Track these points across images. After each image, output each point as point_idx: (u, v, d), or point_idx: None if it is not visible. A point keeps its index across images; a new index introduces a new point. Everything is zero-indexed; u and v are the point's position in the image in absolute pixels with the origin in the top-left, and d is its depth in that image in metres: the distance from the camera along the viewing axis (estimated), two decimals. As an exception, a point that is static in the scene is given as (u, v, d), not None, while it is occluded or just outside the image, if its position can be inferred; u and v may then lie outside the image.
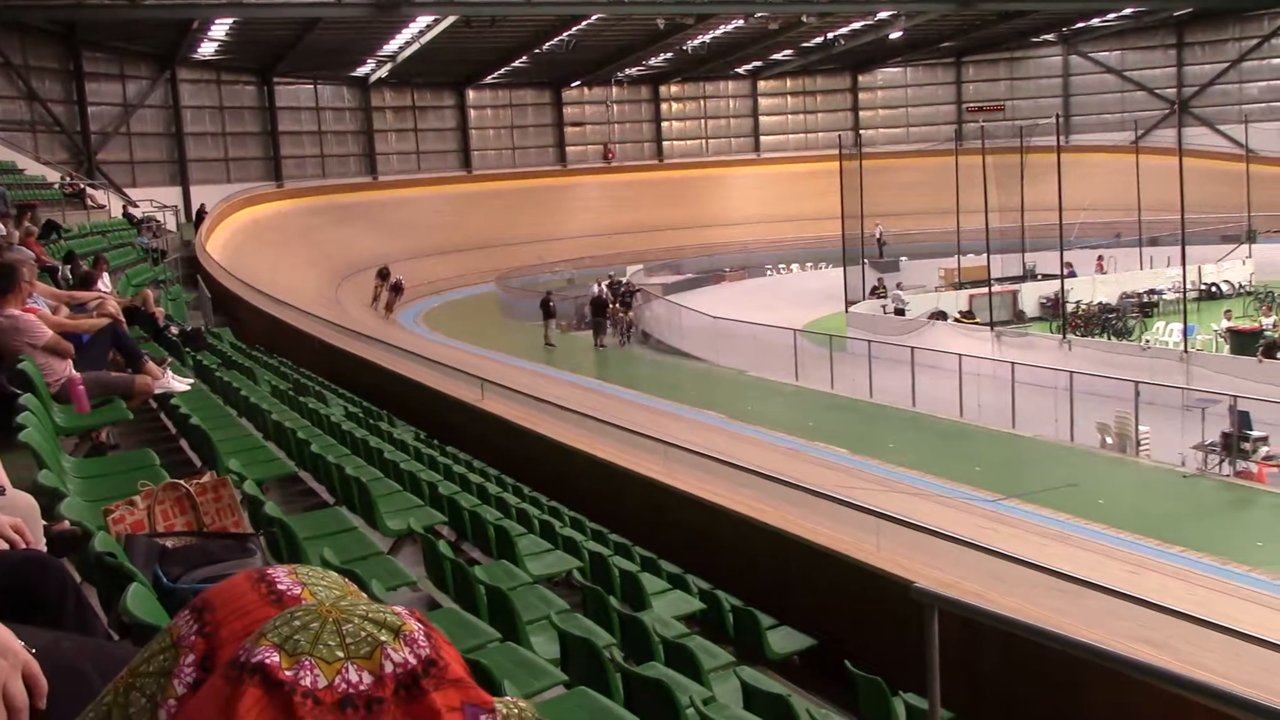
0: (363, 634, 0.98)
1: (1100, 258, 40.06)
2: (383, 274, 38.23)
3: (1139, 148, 42.75)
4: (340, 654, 0.96)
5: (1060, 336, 28.76)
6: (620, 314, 35.07)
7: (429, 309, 40.71)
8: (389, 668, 0.96)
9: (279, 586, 1.06)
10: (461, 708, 0.97)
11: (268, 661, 0.94)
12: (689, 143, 60.32)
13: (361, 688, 0.95)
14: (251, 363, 14.65)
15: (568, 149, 57.72)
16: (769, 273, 47.52)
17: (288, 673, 0.94)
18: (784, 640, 8.06)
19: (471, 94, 54.98)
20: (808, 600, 9.12)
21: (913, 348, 25.64)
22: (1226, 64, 53.48)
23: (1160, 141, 48.82)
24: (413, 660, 0.97)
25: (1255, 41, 52.67)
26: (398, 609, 1.03)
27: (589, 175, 57.25)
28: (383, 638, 0.98)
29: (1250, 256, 38.56)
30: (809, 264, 47.02)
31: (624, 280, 39.59)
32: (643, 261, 47.24)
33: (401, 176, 52.33)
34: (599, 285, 36.55)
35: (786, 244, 51.12)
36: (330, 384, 15.82)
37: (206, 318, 21.83)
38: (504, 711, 1.04)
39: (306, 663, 0.95)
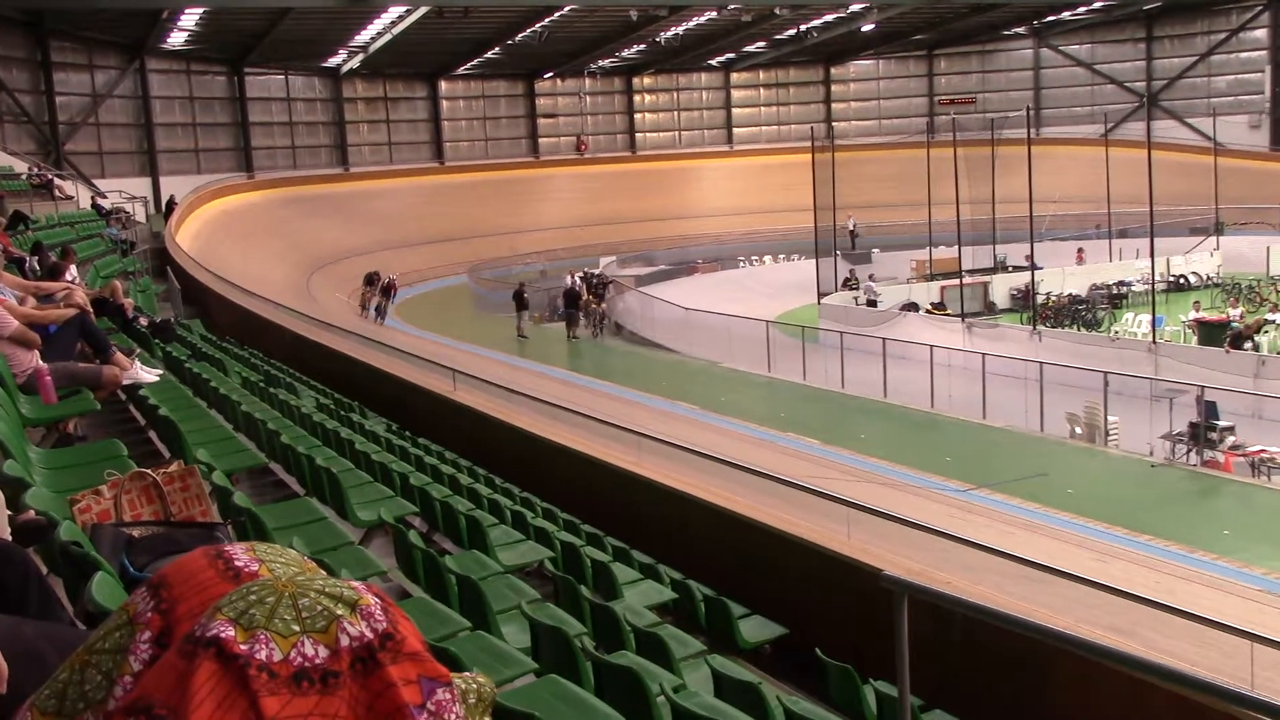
0: (319, 608, 0.98)
1: (1080, 249, 40.34)
2: (370, 279, 34.67)
3: (1108, 140, 43.01)
4: (296, 628, 0.96)
5: (1030, 328, 28.92)
6: (593, 305, 35.05)
7: (401, 300, 40.56)
8: (345, 641, 0.96)
9: (236, 563, 1.06)
10: (418, 681, 0.97)
11: (222, 635, 0.94)
12: (662, 134, 60.29)
13: (317, 661, 0.95)
14: (222, 354, 14.56)
15: (540, 140, 57.59)
16: (742, 264, 47.61)
17: (242, 646, 0.94)
18: (755, 629, 8.09)
19: (444, 85, 54.77)
20: (779, 589, 9.15)
21: (884, 339, 25.74)
22: (1195, 57, 53.91)
23: (1129, 134, 49.17)
24: (369, 634, 0.97)
25: (1223, 35, 53.13)
26: (355, 584, 1.03)
27: (562, 167, 57.12)
28: (339, 612, 0.98)
29: (1218, 248, 38.91)
30: (781, 256, 47.09)
31: (596, 272, 39.55)
32: (616, 253, 47.19)
33: (373, 168, 52.10)
34: (572, 277, 36.51)
35: (759, 235, 51.20)
36: (301, 375, 15.74)
37: (176, 309, 21.68)
38: (463, 686, 1.04)
39: (262, 637, 0.94)
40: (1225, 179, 40.11)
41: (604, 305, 35.44)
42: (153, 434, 8.18)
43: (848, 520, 9.37)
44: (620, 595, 7.58)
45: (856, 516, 9.43)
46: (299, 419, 10.84)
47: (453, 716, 0.98)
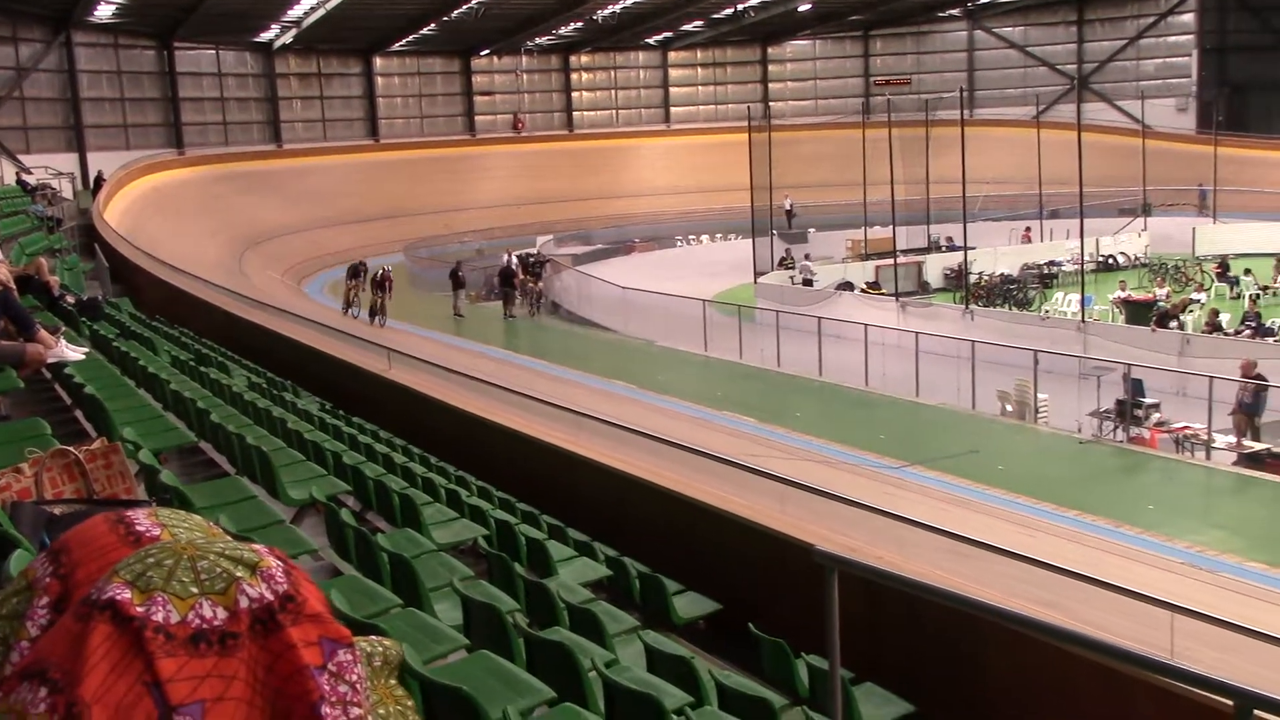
0: (218, 570, 0.97)
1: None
2: (354, 271, 28.87)
3: (1040, 122, 43.56)
4: (194, 590, 0.95)
5: (963, 307, 29.25)
6: (530, 284, 34.91)
7: (335, 279, 40.14)
8: (244, 603, 0.95)
9: (137, 527, 1.05)
10: (319, 642, 0.96)
11: (118, 598, 0.93)
12: (599, 113, 60.09)
13: (215, 623, 0.94)
14: (151, 333, 14.33)
15: (477, 118, 57.16)
16: (679, 244, 47.63)
17: (139, 609, 0.93)
18: (689, 605, 8.13)
19: (379, 61, 54.13)
20: (714, 566, 9.21)
21: (820, 318, 25.91)
22: (1124, 41, 54.72)
23: (1060, 116, 49.83)
24: (269, 596, 0.96)
25: (1152, 19, 54.00)
26: (256, 546, 1.02)
27: (498, 145, 56.75)
28: (238, 574, 0.97)
29: (1145, 229, 39.58)
30: (718, 235, 47.18)
31: (533, 251, 39.37)
32: (552, 232, 47.05)
33: (307, 145, 51.40)
34: (508, 255, 36.31)
35: (696, 215, 51.24)
36: (233, 355, 15.54)
37: (104, 287, 21.28)
38: (367, 649, 1.04)
39: (159, 599, 0.93)
40: (1152, 161, 40.81)
41: (541, 284, 35.31)
42: (78, 413, 8.04)
43: (782, 497, 9.45)
44: (554, 572, 7.59)
45: (791, 493, 9.51)
46: (230, 398, 10.71)
47: (354, 677, 0.98)
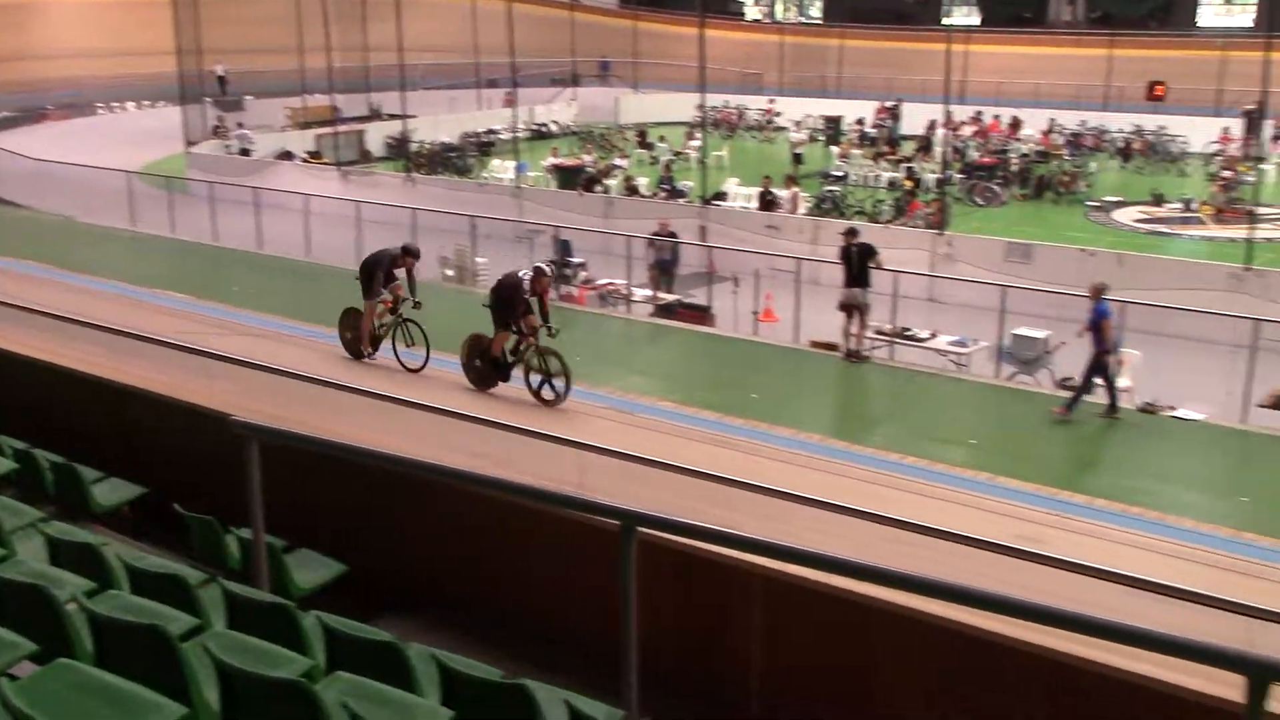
0: None
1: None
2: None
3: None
4: None
5: (405, 175, 29.44)
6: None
7: None
8: None
9: None
10: None
11: None
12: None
13: None
14: None
15: None
16: (100, 112, 43.82)
17: None
18: (110, 492, 7.71)
19: None
20: (140, 450, 8.79)
21: (257, 188, 25.02)
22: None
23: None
24: None
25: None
26: None
27: None
28: None
29: (575, 99, 41.73)
30: (145, 102, 43.88)
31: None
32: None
33: None
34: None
35: (119, 80, 47.06)
36: None
37: None
38: None
39: None
40: (582, 33, 42.87)
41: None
42: None
43: (209, 373, 9.16)
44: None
45: (218, 368, 9.24)
46: None
47: None
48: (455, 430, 8.47)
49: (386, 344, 12.81)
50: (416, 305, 12.64)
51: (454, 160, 33.30)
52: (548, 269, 12.49)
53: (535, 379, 11.61)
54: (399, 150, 33.04)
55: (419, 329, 12.53)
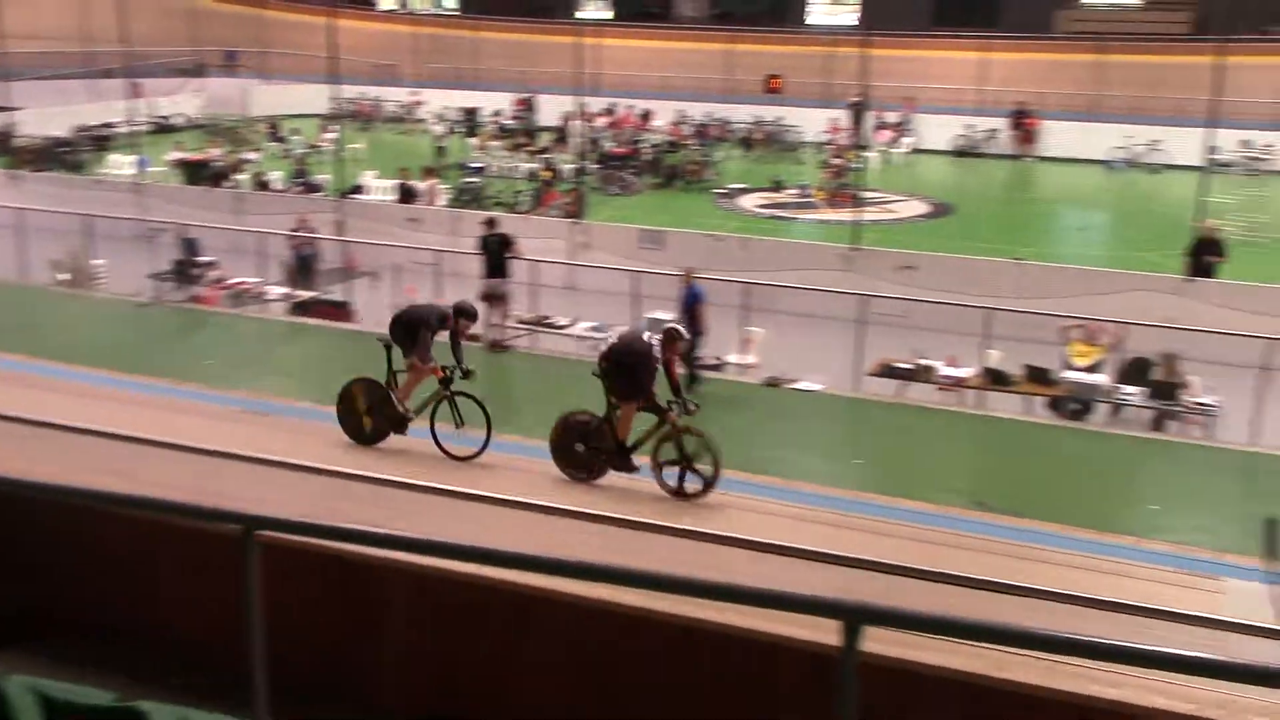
0: None
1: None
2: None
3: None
4: None
5: (8, 172, 27.19)
6: None
7: None
8: None
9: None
10: None
11: None
12: None
13: None
14: None
15: None
16: None
17: None
18: None
19: None
20: None
21: None
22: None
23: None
24: None
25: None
26: None
27: None
28: None
29: (203, 90, 39.83)
30: None
31: None
32: None
33: None
34: None
35: None
36: None
37: None
38: None
39: None
40: (206, 22, 40.90)
41: None
42: None
43: None
44: None
45: None
46: None
47: None
48: (79, 446, 7.96)
49: (419, 425, 10.04)
50: (466, 375, 9.92)
51: (65, 156, 31.03)
52: (682, 331, 9.94)
53: (671, 472, 9.10)
54: (2, 146, 30.45)
55: (476, 404, 9.76)
